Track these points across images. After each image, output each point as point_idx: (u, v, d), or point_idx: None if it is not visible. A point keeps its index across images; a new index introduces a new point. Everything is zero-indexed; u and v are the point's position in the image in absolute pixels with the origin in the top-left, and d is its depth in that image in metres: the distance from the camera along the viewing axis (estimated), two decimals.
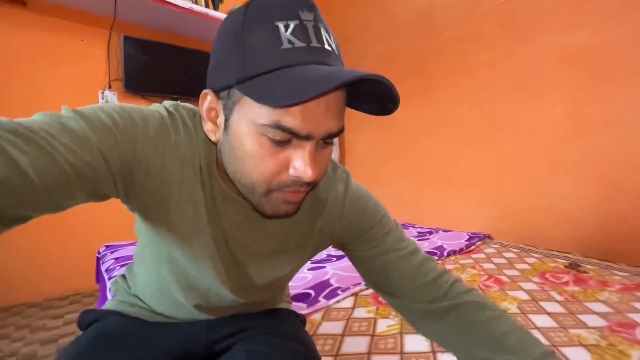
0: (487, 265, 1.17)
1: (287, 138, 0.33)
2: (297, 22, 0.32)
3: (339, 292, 0.92)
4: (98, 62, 2.08)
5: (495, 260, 1.24)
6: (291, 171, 0.34)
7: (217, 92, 0.37)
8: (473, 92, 1.81)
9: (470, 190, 1.85)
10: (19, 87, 1.82)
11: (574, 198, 1.41)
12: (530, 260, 1.24)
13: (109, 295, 0.80)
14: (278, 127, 0.32)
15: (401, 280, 0.48)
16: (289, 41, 0.31)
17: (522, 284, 0.99)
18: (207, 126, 0.39)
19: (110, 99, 2.13)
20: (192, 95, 2.37)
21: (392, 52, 2.28)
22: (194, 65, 2.37)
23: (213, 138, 0.38)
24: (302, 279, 1.03)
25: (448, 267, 1.17)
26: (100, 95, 2.08)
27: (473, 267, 1.15)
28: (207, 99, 0.38)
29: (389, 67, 2.30)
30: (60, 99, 1.94)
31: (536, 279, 1.03)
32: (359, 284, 0.98)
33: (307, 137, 0.33)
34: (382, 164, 2.42)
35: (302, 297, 0.90)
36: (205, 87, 0.39)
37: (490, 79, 1.72)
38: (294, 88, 0.29)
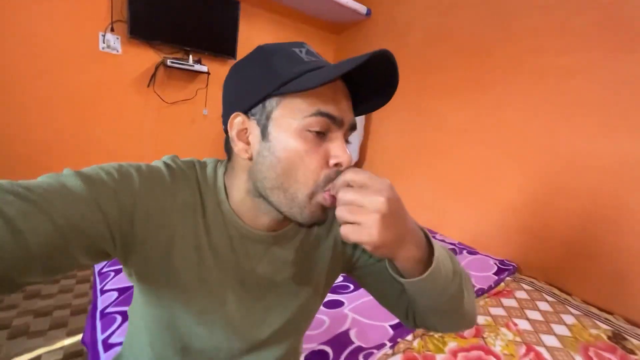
0: (522, 324, 1.05)
1: (325, 127, 0.38)
2: (305, 48, 0.41)
3: (361, 357, 0.81)
4: None
5: (530, 314, 1.12)
6: (332, 161, 0.38)
7: (246, 112, 0.40)
8: (536, 101, 1.53)
9: (502, 211, 1.66)
10: (6, 20, 1.53)
11: (625, 253, 1.25)
12: (568, 319, 1.11)
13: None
14: (320, 113, 0.37)
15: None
16: (307, 57, 0.39)
17: None
18: (239, 146, 0.41)
19: (113, 44, 1.83)
20: (206, 49, 2.04)
21: (442, 31, 1.92)
22: (211, 12, 1.99)
23: (245, 156, 0.40)
24: (319, 324, 0.91)
25: (479, 317, 1.05)
26: (100, 39, 1.79)
27: (507, 327, 1.03)
28: (237, 120, 0.40)
29: (435, 47, 1.95)
30: (55, 41, 1.65)
31: (579, 359, 0.92)
32: (383, 345, 0.86)
33: (341, 124, 0.38)
34: (408, 157, 2.19)
35: (318, 359, 0.79)
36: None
37: (563, 90, 1.43)
38: (326, 74, 0.35)
